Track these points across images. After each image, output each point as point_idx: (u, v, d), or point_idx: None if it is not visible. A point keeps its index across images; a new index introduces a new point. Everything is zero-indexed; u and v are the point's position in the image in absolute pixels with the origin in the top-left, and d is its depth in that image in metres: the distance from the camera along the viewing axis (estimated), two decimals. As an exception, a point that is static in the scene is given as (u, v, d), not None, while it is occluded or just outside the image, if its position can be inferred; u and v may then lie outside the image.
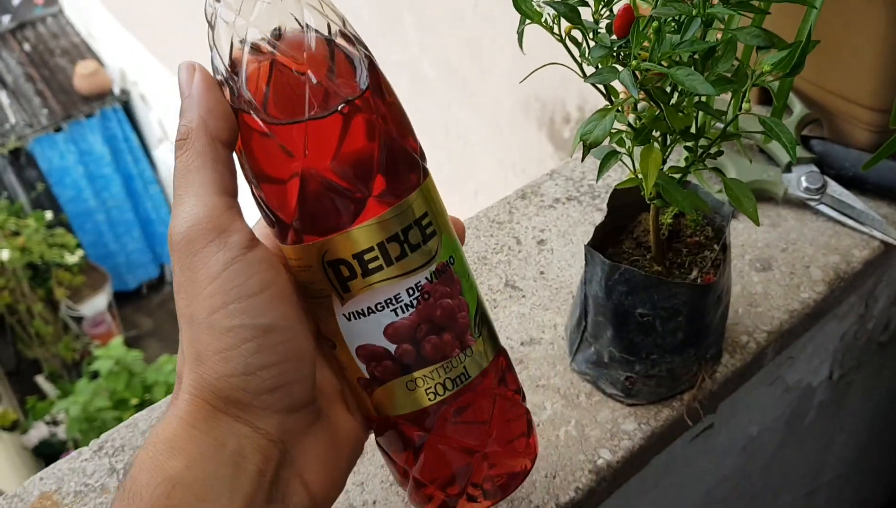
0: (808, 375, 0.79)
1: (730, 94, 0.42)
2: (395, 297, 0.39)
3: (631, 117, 0.46)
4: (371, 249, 0.38)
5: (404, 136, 0.40)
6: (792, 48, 0.39)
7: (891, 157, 0.64)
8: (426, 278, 0.39)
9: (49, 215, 5.15)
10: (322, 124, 0.37)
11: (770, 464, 0.87)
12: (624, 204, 0.54)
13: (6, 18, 5.87)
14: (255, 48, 0.37)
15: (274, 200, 0.38)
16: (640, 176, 0.45)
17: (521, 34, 0.44)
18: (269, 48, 0.37)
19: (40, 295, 5.02)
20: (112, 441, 0.53)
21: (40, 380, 5.05)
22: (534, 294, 0.62)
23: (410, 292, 0.39)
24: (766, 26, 0.41)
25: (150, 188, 5.54)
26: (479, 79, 1.85)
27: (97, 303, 5.37)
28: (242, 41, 0.37)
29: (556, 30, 0.43)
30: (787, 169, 0.67)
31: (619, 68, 0.41)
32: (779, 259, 0.63)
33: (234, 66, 0.37)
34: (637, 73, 0.40)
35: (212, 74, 0.38)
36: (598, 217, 0.67)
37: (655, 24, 0.39)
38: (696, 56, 0.41)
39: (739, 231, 0.65)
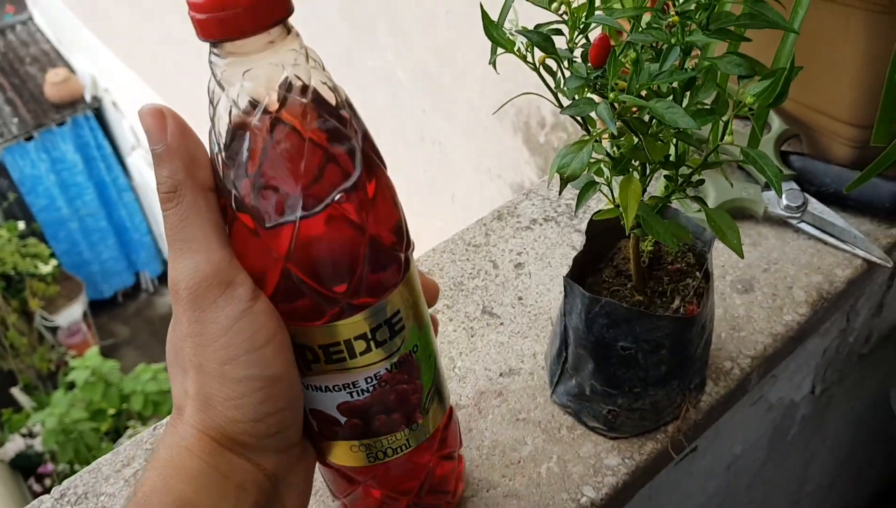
0: (791, 391, 0.78)
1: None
2: (353, 383, 0.40)
3: (607, 144, 0.44)
4: (337, 344, 0.38)
5: (393, 233, 0.38)
6: (775, 77, 0.37)
7: (872, 173, 0.63)
8: (386, 369, 0.40)
9: (21, 224, 5.07)
10: (308, 227, 0.35)
11: (754, 481, 0.86)
12: (603, 230, 0.52)
13: (-26, 26, 5.77)
14: (253, 134, 0.35)
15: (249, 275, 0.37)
16: (618, 205, 0.43)
17: (493, 64, 0.42)
18: (267, 137, 0.35)
19: (14, 306, 4.95)
20: (74, 488, 0.51)
21: (16, 392, 4.97)
22: (512, 321, 0.60)
23: (369, 380, 0.40)
24: (743, 47, 0.39)
25: (125, 196, 5.48)
26: (453, 85, 1.83)
27: (72, 312, 5.30)
28: (239, 123, 0.35)
29: (529, 58, 0.41)
30: (767, 187, 0.65)
31: (596, 99, 0.40)
32: (761, 280, 0.61)
33: (228, 150, 0.35)
34: (615, 103, 0.38)
35: (207, 145, 0.37)
36: (576, 238, 0.66)
37: (633, 54, 0.37)
38: (676, 85, 0.40)
39: (720, 251, 0.63)
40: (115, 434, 4.46)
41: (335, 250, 0.37)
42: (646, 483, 0.53)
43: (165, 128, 0.35)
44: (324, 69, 0.37)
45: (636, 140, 0.42)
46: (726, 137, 0.38)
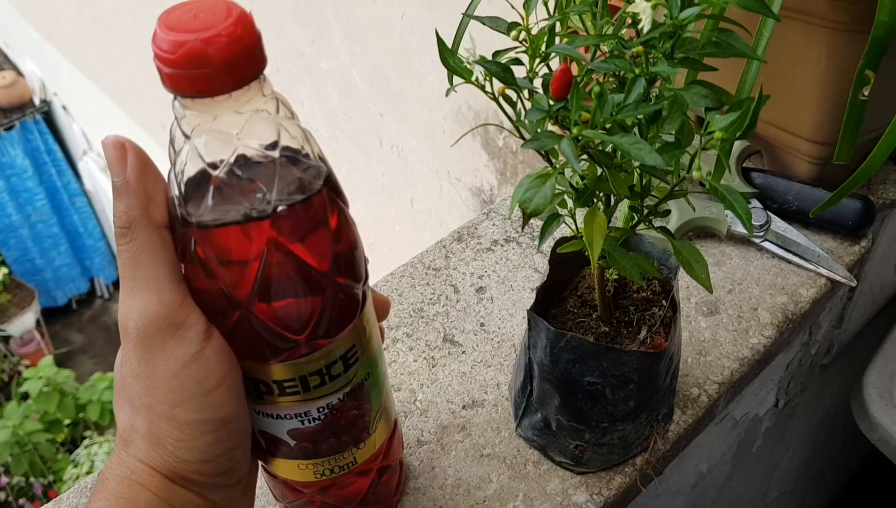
0: (755, 406, 0.77)
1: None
2: (304, 412, 0.40)
3: (569, 173, 0.43)
4: (292, 379, 0.38)
5: (354, 273, 0.38)
6: (743, 109, 0.36)
7: (831, 190, 0.62)
8: (339, 399, 0.40)
9: (-31, 232, 4.93)
10: (269, 273, 0.35)
11: (720, 495, 0.85)
12: (566, 257, 0.51)
13: (-85, 27, 5.59)
14: (216, 182, 0.34)
15: (207, 316, 0.36)
16: (581, 235, 0.42)
17: (448, 93, 0.40)
18: (230, 182, 0.34)
19: (-37, 316, 4.81)
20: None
21: (-34, 404, 4.83)
22: (474, 349, 0.58)
23: (321, 409, 0.40)
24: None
25: (77, 201, 5.35)
26: (410, 88, 1.81)
27: (25, 321, 5.17)
28: (202, 172, 0.34)
29: (488, 88, 0.39)
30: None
31: (559, 131, 0.38)
32: (726, 302, 0.60)
33: (188, 194, 0.34)
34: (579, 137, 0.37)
35: (166, 180, 0.36)
36: (539, 260, 0.64)
37: (597, 88, 0.36)
38: (641, 117, 0.38)
39: (685, 272, 0.62)
40: (72, 445, 4.37)
41: (296, 296, 0.36)
42: (614, 517, 0.52)
43: (126, 161, 0.34)
44: (293, 116, 0.36)
45: (600, 171, 0.41)
46: (694, 173, 0.37)
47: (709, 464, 0.75)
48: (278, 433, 0.41)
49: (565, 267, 0.52)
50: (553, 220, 0.42)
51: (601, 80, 0.40)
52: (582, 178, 0.42)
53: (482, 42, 0.42)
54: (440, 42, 0.40)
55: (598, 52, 0.40)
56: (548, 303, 0.51)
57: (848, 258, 0.63)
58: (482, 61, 0.37)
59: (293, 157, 0.35)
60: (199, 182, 0.34)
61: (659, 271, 0.51)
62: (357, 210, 2.24)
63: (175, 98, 0.33)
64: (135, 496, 0.36)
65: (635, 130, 0.39)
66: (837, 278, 0.61)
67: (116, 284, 5.67)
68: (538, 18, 0.41)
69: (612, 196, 0.43)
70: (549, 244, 0.63)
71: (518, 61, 0.38)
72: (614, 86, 0.40)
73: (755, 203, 0.64)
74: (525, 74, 0.39)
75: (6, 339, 5.11)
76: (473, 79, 0.39)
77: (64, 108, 4.85)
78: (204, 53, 0.31)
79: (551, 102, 0.37)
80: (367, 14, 1.80)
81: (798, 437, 1.01)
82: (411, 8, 1.65)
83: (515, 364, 0.54)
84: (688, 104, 0.38)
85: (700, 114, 0.43)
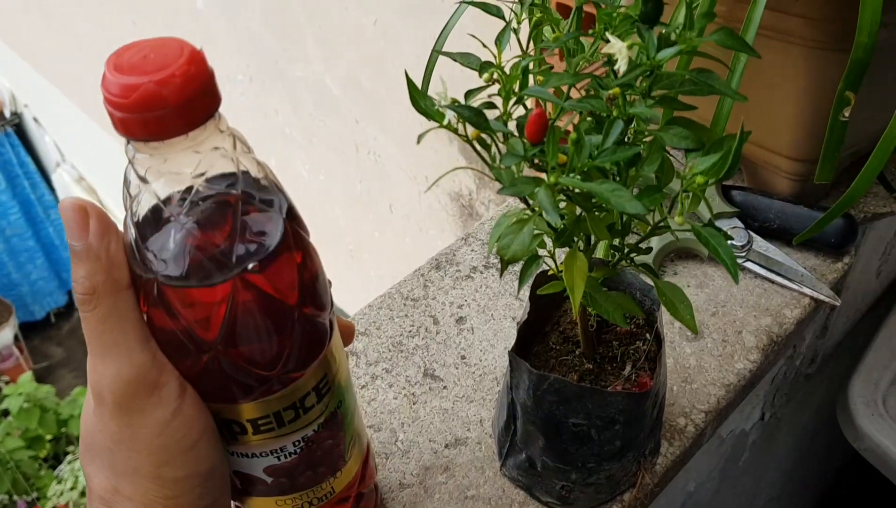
0: (741, 422, 0.77)
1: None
2: (280, 448, 0.39)
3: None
4: (266, 416, 0.37)
5: (320, 304, 0.38)
6: (724, 152, 0.35)
7: (814, 208, 0.61)
8: (314, 430, 0.40)
9: (-59, 248, 4.85)
10: (235, 312, 0.34)
11: (709, 511, 0.85)
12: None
13: None
14: (177, 225, 0.33)
15: (174, 362, 0.36)
16: (561, 273, 0.40)
17: (420, 138, 0.38)
18: (191, 225, 0.33)
19: (-62, 334, 4.73)
20: None
21: (-56, 424, 4.76)
22: (456, 384, 0.57)
23: (296, 443, 0.39)
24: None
25: (52, 213, 5.28)
26: (385, 95, 1.80)
27: (2, 337, 5.09)
28: (162, 216, 0.33)
29: (461, 131, 0.38)
30: (712, 224, 0.63)
31: (535, 175, 0.37)
32: (710, 325, 0.59)
33: (148, 239, 0.33)
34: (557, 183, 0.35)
35: (121, 228, 0.35)
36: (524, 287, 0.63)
37: (573, 135, 0.34)
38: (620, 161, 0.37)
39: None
40: (55, 461, 4.31)
41: (266, 333, 0.35)
42: (603, 556, 0.50)
43: (87, 226, 0.34)
44: (250, 150, 0.35)
45: (579, 211, 0.39)
46: (677, 219, 0.36)
47: (696, 483, 0.74)
48: (254, 471, 0.40)
49: (546, 301, 0.50)
50: (532, 262, 0.41)
51: (576, 120, 0.39)
52: (561, 216, 0.41)
53: (457, 75, 0.41)
54: (410, 84, 0.38)
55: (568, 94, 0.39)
56: (529, 338, 0.50)
57: (831, 276, 0.62)
58: (453, 106, 0.36)
59: (253, 192, 0.34)
60: (159, 226, 0.33)
61: (642, 302, 0.50)
62: (336, 217, 2.22)
63: (128, 141, 0.32)
64: None
65: (615, 171, 0.37)
66: (821, 297, 0.60)
67: (95, 296, 5.60)
68: (512, 54, 0.40)
69: (591, 236, 0.42)
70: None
71: (492, 105, 0.37)
72: (591, 124, 0.38)
73: (736, 222, 0.63)
74: (498, 116, 0.38)
75: (-16, 355, 5.03)
76: (445, 123, 0.37)
77: (35, 120, 4.78)
78: (159, 96, 0.29)
79: (527, 146, 0.36)
80: (340, 21, 1.78)
81: (784, 445, 1.00)
82: (384, 14, 1.63)
83: (498, 402, 0.52)
84: (671, 146, 0.37)
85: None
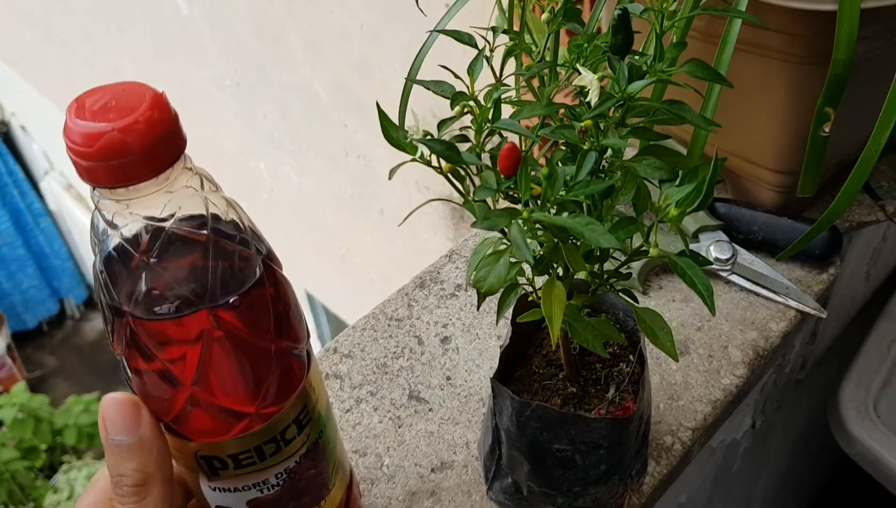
0: (732, 432, 0.76)
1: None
2: (262, 481, 0.39)
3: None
4: (247, 451, 0.37)
5: (296, 336, 0.38)
6: (698, 182, 0.34)
7: (798, 219, 0.61)
8: (296, 461, 0.40)
9: (-68, 259, 4.83)
10: (212, 351, 0.34)
11: (701, 520, 0.84)
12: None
13: None
14: (148, 268, 0.33)
15: (149, 401, 0.36)
16: (540, 302, 0.40)
17: (392, 172, 0.38)
18: (163, 267, 0.33)
19: (-70, 345, 4.71)
20: None
21: (-61, 435, 4.74)
22: (441, 406, 0.56)
23: (279, 475, 0.40)
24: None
25: (41, 221, 5.26)
26: (372, 98, 1.79)
27: (-5, 347, 5.07)
28: (132, 259, 0.33)
29: (434, 163, 0.38)
30: (695, 238, 0.63)
31: (511, 206, 0.36)
32: (695, 340, 0.59)
33: (119, 283, 0.33)
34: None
35: (92, 275, 0.34)
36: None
37: (545, 170, 0.34)
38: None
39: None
40: (51, 471, 4.30)
41: (243, 370, 0.36)
42: (592, 579, 0.50)
43: (139, 419, 0.35)
44: (218, 189, 0.35)
45: (556, 240, 0.39)
46: (652, 251, 0.35)
47: (688, 493, 0.74)
48: (237, 505, 0.40)
49: (528, 324, 0.50)
50: (511, 292, 0.41)
51: (548, 148, 0.38)
52: (540, 244, 0.40)
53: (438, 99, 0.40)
54: (382, 115, 0.38)
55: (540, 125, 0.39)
56: (513, 363, 0.49)
57: (817, 288, 0.62)
58: (425, 141, 0.36)
59: (224, 230, 0.34)
60: (130, 268, 0.33)
61: (625, 323, 0.50)
62: (327, 221, 2.21)
63: (93, 188, 0.31)
64: None
65: (589, 203, 0.37)
66: (807, 309, 0.60)
67: (87, 303, 5.59)
68: (487, 80, 0.39)
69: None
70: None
71: (464, 138, 0.37)
72: (566, 153, 0.38)
73: (721, 235, 0.63)
74: (471, 147, 0.37)
75: (-23, 366, 5.01)
76: (418, 156, 0.37)
77: (23, 128, 4.76)
78: (123, 143, 0.29)
79: (500, 179, 0.36)
80: (326, 25, 1.77)
81: (777, 450, 1.00)
82: (370, 18, 1.63)
83: (483, 425, 0.52)
84: (645, 177, 0.37)
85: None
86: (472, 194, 0.37)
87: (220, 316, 0.34)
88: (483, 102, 0.37)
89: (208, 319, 0.34)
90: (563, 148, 0.38)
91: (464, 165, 0.37)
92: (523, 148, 0.38)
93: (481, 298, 0.38)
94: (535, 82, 0.41)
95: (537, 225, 0.37)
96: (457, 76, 0.39)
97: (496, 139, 0.38)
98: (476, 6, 0.53)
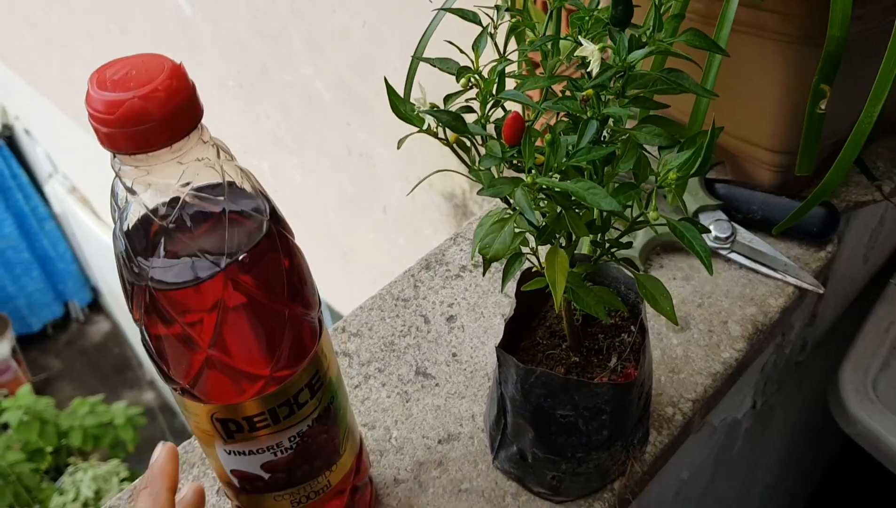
0: (733, 411, 0.78)
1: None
2: (276, 444, 0.41)
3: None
4: (262, 413, 0.39)
5: (308, 303, 0.39)
6: (696, 147, 0.36)
7: (796, 198, 0.62)
8: (308, 425, 0.41)
9: (-64, 262, 4.85)
10: (229, 314, 0.36)
11: (703, 499, 0.86)
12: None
13: None
14: (167, 234, 0.34)
15: (167, 365, 0.37)
16: (544, 270, 0.41)
17: (401, 143, 0.39)
18: (180, 233, 0.34)
19: (-64, 348, 4.73)
20: None
21: (-55, 438, 4.75)
22: (447, 381, 0.58)
23: (292, 438, 0.41)
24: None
25: (46, 225, 5.27)
26: (374, 97, 1.80)
27: (0, 350, 5.09)
28: (151, 225, 0.34)
29: (440, 135, 0.39)
30: (695, 218, 0.65)
31: (514, 175, 0.38)
32: (696, 316, 0.60)
33: (139, 249, 0.35)
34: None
35: (114, 249, 0.36)
36: (508, 284, 0.64)
37: (549, 136, 0.35)
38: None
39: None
40: (56, 473, 4.31)
41: (258, 334, 0.37)
42: (596, 545, 0.51)
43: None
44: (232, 158, 0.37)
45: (560, 208, 0.40)
46: (650, 214, 0.37)
47: (690, 472, 0.75)
48: (252, 468, 0.41)
49: (532, 297, 0.51)
50: (515, 260, 0.42)
51: (552, 120, 0.40)
52: (543, 215, 0.42)
53: (444, 78, 0.42)
54: (390, 89, 0.39)
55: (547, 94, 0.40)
56: (517, 335, 0.51)
57: (815, 265, 0.63)
58: (432, 111, 0.37)
59: (238, 199, 0.36)
60: (149, 235, 0.34)
61: (626, 296, 0.51)
62: (329, 220, 2.22)
63: (114, 155, 0.33)
64: None
65: (591, 170, 0.38)
66: (805, 285, 0.61)
67: (91, 307, 5.60)
68: (491, 57, 0.41)
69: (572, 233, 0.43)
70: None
71: (469, 109, 0.38)
72: (568, 124, 0.39)
73: (720, 215, 0.65)
74: (477, 119, 0.39)
75: (-18, 369, 5.03)
76: (425, 127, 0.38)
77: (26, 131, 4.78)
78: (144, 110, 0.31)
79: (504, 148, 0.37)
80: (327, 24, 1.79)
81: (778, 432, 1.01)
82: (371, 16, 1.64)
83: (489, 397, 0.53)
84: (645, 144, 0.38)
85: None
86: (477, 164, 0.38)
87: (234, 280, 0.35)
88: (487, 77, 0.38)
89: (225, 283, 0.35)
90: (566, 119, 0.39)
91: (469, 136, 0.38)
92: (527, 120, 0.40)
93: (486, 264, 0.40)
94: (538, 57, 0.42)
95: (540, 194, 0.38)
96: (461, 51, 0.40)
97: (500, 113, 0.40)
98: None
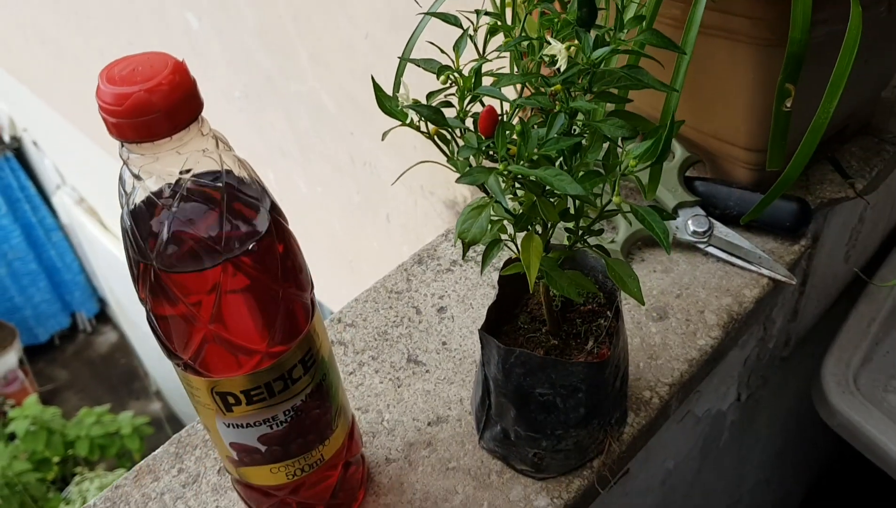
0: (717, 402, 0.80)
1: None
2: (272, 417, 0.44)
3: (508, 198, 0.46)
4: (258, 387, 0.42)
5: (302, 284, 0.42)
6: (655, 138, 0.39)
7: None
8: (302, 400, 0.45)
9: (-55, 274, 4.90)
10: (227, 293, 0.39)
11: (691, 490, 0.88)
12: (514, 277, 0.54)
13: None
14: (169, 218, 0.37)
15: (170, 340, 0.41)
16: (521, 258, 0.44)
17: (384, 135, 0.43)
18: (182, 217, 0.37)
19: (-57, 359, 4.77)
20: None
21: (-48, 448, 4.78)
22: (437, 367, 0.61)
23: (287, 412, 0.44)
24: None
25: (53, 236, 5.32)
26: (377, 107, 1.84)
27: (7, 361, 5.13)
28: (156, 209, 0.37)
29: (423, 128, 0.42)
30: (674, 213, 0.68)
31: (490, 165, 0.41)
32: (674, 306, 0.63)
33: (144, 232, 0.38)
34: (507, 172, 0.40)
35: (120, 230, 0.39)
36: (497, 277, 0.67)
37: (518, 127, 0.39)
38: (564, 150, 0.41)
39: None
40: (63, 483, 4.33)
41: (255, 313, 0.40)
42: (576, 518, 0.54)
43: None
44: (230, 149, 0.40)
45: (535, 197, 0.43)
46: (614, 199, 0.40)
47: (675, 461, 0.78)
48: (249, 441, 0.45)
49: (514, 286, 0.55)
50: (493, 246, 0.45)
51: (527, 115, 0.43)
52: (520, 204, 0.45)
53: (429, 79, 0.45)
54: (376, 87, 0.43)
55: (525, 90, 0.43)
56: (500, 321, 0.54)
57: (788, 258, 0.66)
58: (414, 106, 0.40)
59: (236, 186, 0.39)
60: (153, 217, 0.38)
61: (604, 283, 0.54)
62: (334, 229, 2.25)
63: (122, 144, 0.36)
64: None
65: (560, 160, 0.42)
66: (778, 277, 0.64)
67: (98, 317, 5.64)
68: (472, 58, 0.44)
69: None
70: (498, 264, 0.66)
71: (448, 104, 0.41)
72: (541, 119, 0.43)
73: (698, 211, 0.68)
74: (456, 114, 0.42)
75: (-11, 379, 5.06)
76: (409, 121, 0.42)
77: (35, 143, 4.83)
78: (148, 102, 0.34)
79: (480, 140, 0.40)
80: (332, 36, 1.83)
81: (767, 428, 1.04)
82: (374, 29, 1.68)
83: (475, 380, 0.57)
84: (609, 135, 0.41)
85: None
86: (456, 154, 0.42)
87: (233, 261, 0.38)
88: (466, 75, 0.42)
89: (223, 263, 0.38)
90: (538, 114, 0.43)
91: (449, 129, 0.41)
92: (502, 114, 0.43)
93: (465, 248, 0.43)
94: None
95: (515, 183, 0.41)
96: (443, 52, 0.43)
97: (478, 108, 0.43)
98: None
